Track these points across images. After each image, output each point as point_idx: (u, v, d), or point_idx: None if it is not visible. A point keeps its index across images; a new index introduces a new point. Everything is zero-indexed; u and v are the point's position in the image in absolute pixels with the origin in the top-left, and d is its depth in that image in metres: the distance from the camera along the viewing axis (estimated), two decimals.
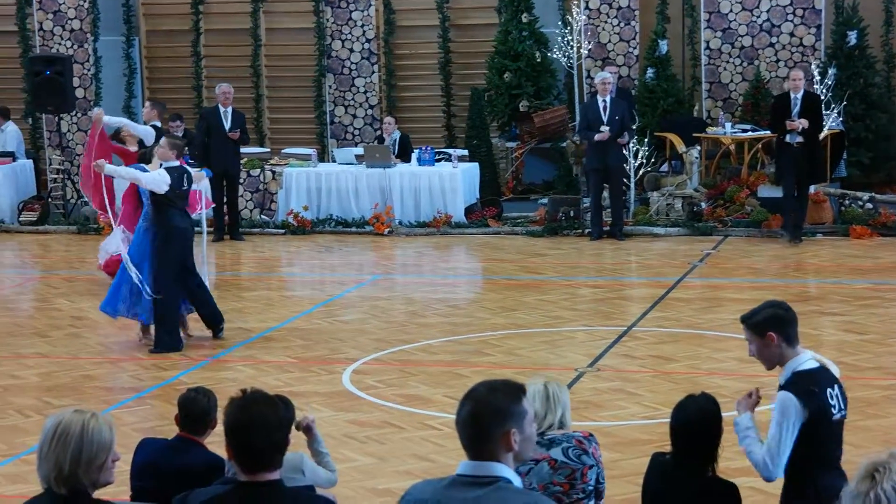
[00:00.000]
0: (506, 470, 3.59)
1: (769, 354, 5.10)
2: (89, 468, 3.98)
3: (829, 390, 5.04)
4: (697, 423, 5.09)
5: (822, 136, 16.12)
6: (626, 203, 16.86)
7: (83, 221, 18.15)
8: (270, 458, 3.81)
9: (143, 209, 11.02)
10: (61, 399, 9.54)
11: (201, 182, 11.94)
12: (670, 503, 5.11)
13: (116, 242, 12.05)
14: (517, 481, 3.61)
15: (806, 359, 5.09)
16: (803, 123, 15.15)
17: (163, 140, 11.27)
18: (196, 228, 11.55)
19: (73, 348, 11.18)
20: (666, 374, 9.85)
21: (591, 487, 5.18)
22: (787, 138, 15.28)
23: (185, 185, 10.92)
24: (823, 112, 15.76)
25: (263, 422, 3.80)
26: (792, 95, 15.42)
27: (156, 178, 10.72)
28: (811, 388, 4.99)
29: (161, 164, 10.85)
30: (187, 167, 11.24)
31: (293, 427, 3.99)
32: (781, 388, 5.06)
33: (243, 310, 12.69)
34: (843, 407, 5.09)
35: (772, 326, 5.06)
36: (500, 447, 3.57)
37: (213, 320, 11.30)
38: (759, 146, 17.29)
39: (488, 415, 3.58)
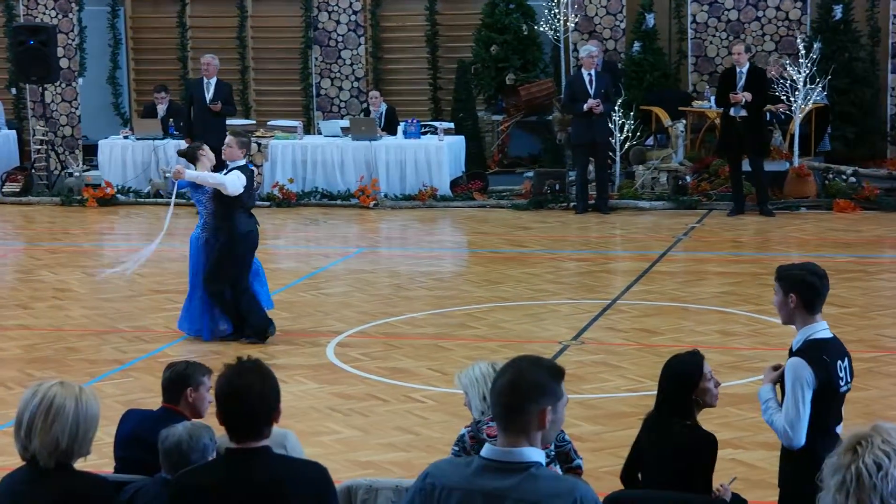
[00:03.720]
0: (536, 454, 3.49)
1: (785, 312, 5.15)
2: (84, 441, 4.06)
3: (839, 362, 5.08)
4: (678, 374, 5.30)
5: (806, 110, 16.17)
6: (612, 177, 16.87)
7: (67, 193, 18.09)
8: (259, 426, 3.86)
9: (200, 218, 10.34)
10: (44, 371, 9.53)
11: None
12: (651, 451, 5.28)
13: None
14: (544, 462, 3.53)
15: (821, 328, 5.12)
16: (746, 97, 15.22)
17: (230, 138, 10.41)
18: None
19: (56, 320, 11.16)
20: (650, 347, 9.88)
21: (553, 452, 5.40)
22: (732, 112, 15.37)
23: (254, 183, 10.50)
24: (770, 86, 15.78)
25: (253, 390, 3.85)
26: (737, 70, 15.49)
27: (235, 182, 10.08)
28: (823, 357, 5.03)
29: (226, 165, 10.33)
30: (251, 165, 10.68)
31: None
32: (793, 353, 5.09)
33: None
34: (849, 380, 5.14)
35: (796, 288, 5.10)
36: (534, 423, 3.48)
37: (260, 328, 10.36)
38: None
39: (528, 387, 3.49)
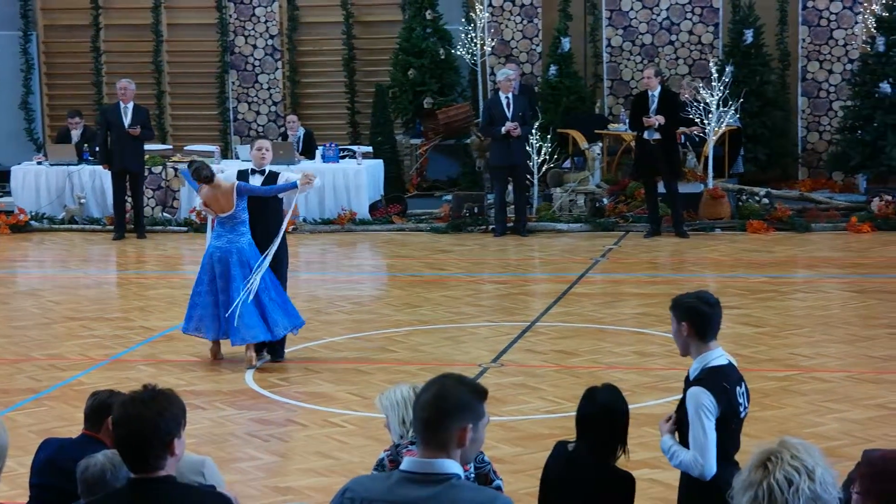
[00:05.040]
0: (455, 466, 3.50)
1: (680, 341, 5.16)
2: None
3: (737, 388, 5.10)
4: (602, 413, 5.14)
5: (719, 132, 16.44)
6: (530, 199, 16.99)
7: None
8: (151, 457, 3.78)
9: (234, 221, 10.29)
10: None
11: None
12: (569, 491, 5.17)
13: None
14: (462, 475, 3.54)
15: (717, 355, 5.12)
16: (659, 120, 15.45)
17: (267, 143, 10.74)
18: None
19: None
20: (568, 369, 9.95)
21: (473, 474, 5.35)
22: (646, 135, 15.60)
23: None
24: (684, 109, 16.07)
25: (144, 420, 3.78)
26: (649, 93, 15.71)
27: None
28: (723, 383, 5.04)
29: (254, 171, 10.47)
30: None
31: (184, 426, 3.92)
32: (692, 382, 5.09)
33: (146, 308, 12.55)
34: (747, 405, 5.16)
35: (688, 316, 5.11)
36: (454, 440, 3.49)
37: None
38: None
39: (451, 404, 3.50)
